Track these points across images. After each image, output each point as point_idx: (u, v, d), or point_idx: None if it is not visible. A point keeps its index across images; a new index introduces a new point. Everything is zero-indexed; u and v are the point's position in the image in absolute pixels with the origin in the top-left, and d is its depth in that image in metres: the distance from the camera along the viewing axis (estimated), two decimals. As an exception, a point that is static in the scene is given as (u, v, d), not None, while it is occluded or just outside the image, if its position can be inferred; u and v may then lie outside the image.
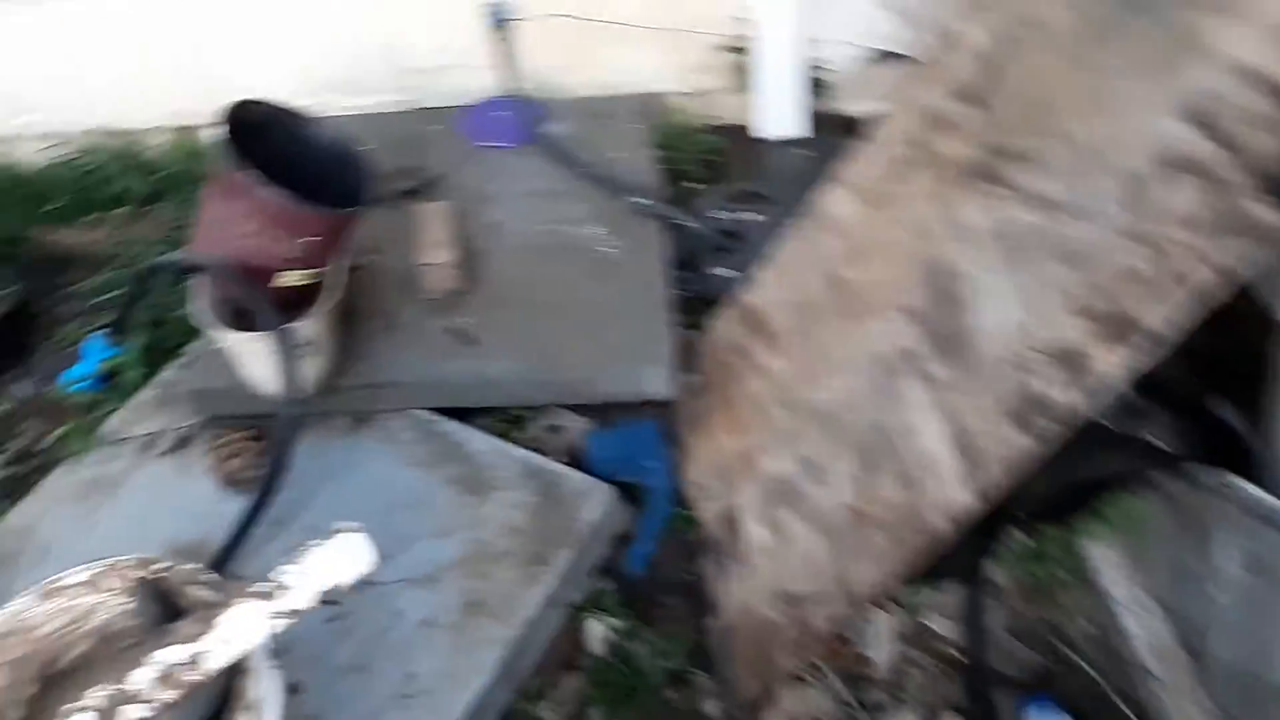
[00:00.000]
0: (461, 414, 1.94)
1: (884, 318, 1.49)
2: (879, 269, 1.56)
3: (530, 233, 2.17)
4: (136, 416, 1.98)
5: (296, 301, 1.88)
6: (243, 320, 1.87)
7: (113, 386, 2.10)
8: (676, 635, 1.70)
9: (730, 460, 1.75)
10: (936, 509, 1.28)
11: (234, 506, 1.80)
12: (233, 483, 1.80)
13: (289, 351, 1.67)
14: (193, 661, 1.05)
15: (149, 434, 1.94)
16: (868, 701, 1.60)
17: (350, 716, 1.51)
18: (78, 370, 2.10)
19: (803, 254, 1.78)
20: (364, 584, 1.68)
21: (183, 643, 1.05)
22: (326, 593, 1.11)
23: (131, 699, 1.02)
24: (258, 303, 1.68)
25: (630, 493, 1.83)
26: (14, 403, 2.17)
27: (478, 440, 1.88)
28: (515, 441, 1.90)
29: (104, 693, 1.01)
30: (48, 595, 1.23)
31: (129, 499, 1.84)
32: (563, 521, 1.74)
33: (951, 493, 1.26)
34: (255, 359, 1.76)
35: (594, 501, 1.76)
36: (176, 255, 1.78)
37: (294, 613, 1.10)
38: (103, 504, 1.84)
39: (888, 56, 2.44)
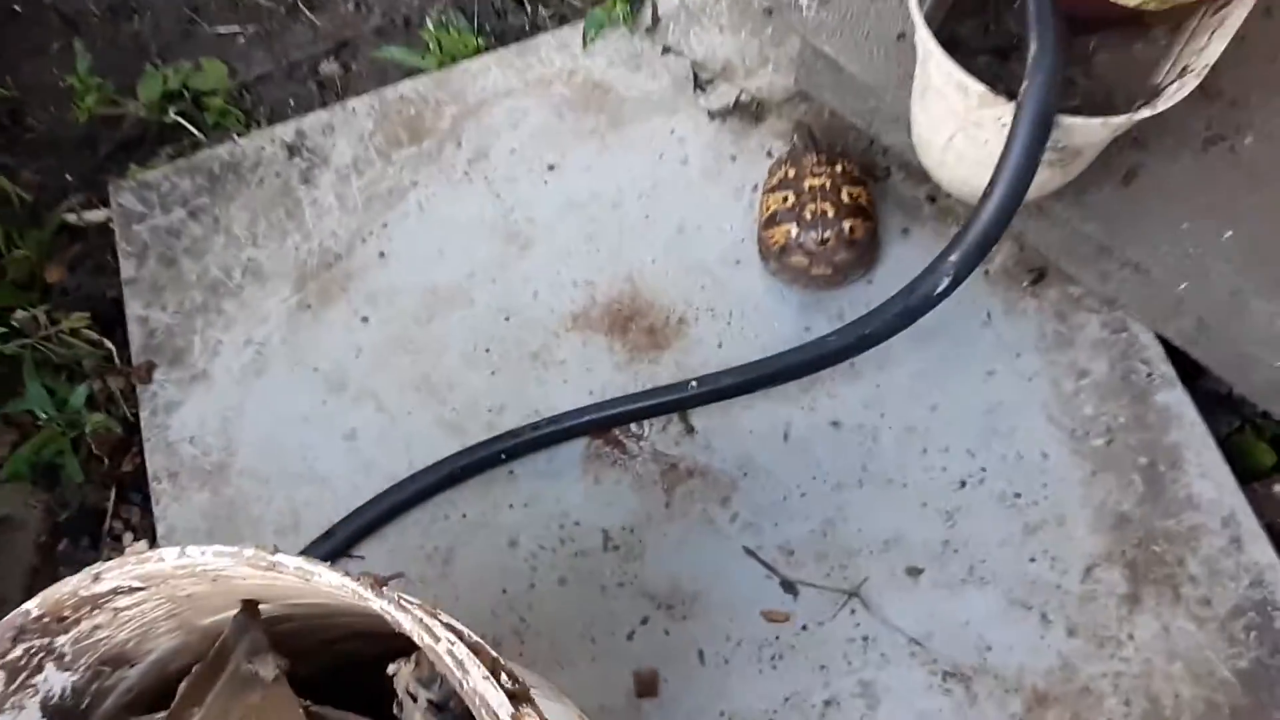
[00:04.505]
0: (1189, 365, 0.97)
1: None
2: None
3: None
4: (709, 19, 1.15)
5: (1114, 30, 0.88)
6: (990, 28, 0.91)
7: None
8: None
9: None
10: None
11: (747, 281, 1.02)
12: (773, 256, 0.99)
13: (1034, 150, 0.73)
14: None
15: (706, 70, 1.12)
16: None
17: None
18: None
19: None
20: (850, 594, 0.94)
21: None
22: None
23: None
24: (1041, 27, 0.71)
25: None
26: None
27: (1203, 468, 0.92)
28: (1257, 501, 0.93)
29: None
30: (268, 568, 0.56)
31: (616, 155, 1.09)
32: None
33: None
34: (948, 114, 0.83)
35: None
36: None
37: None
38: (587, 135, 1.10)
39: None
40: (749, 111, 1.09)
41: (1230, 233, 0.91)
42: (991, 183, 0.74)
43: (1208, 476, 0.92)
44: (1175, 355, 0.97)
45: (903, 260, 1.02)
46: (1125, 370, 0.96)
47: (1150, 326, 0.97)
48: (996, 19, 0.92)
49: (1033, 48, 0.71)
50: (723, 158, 1.08)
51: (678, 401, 0.93)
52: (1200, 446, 0.93)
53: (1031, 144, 0.72)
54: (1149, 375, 0.95)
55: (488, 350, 1.03)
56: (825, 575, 0.91)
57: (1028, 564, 0.90)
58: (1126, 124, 0.76)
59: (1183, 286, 0.90)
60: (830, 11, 1.02)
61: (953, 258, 0.76)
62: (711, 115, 1.10)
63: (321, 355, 1.04)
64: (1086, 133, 0.76)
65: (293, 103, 1.25)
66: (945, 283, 0.77)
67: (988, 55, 0.89)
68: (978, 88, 0.75)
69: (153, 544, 1.06)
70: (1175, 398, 0.94)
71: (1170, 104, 0.75)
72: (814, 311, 1.00)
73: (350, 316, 1.06)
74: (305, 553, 0.96)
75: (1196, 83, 0.76)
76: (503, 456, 0.96)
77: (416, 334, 1.04)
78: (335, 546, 0.96)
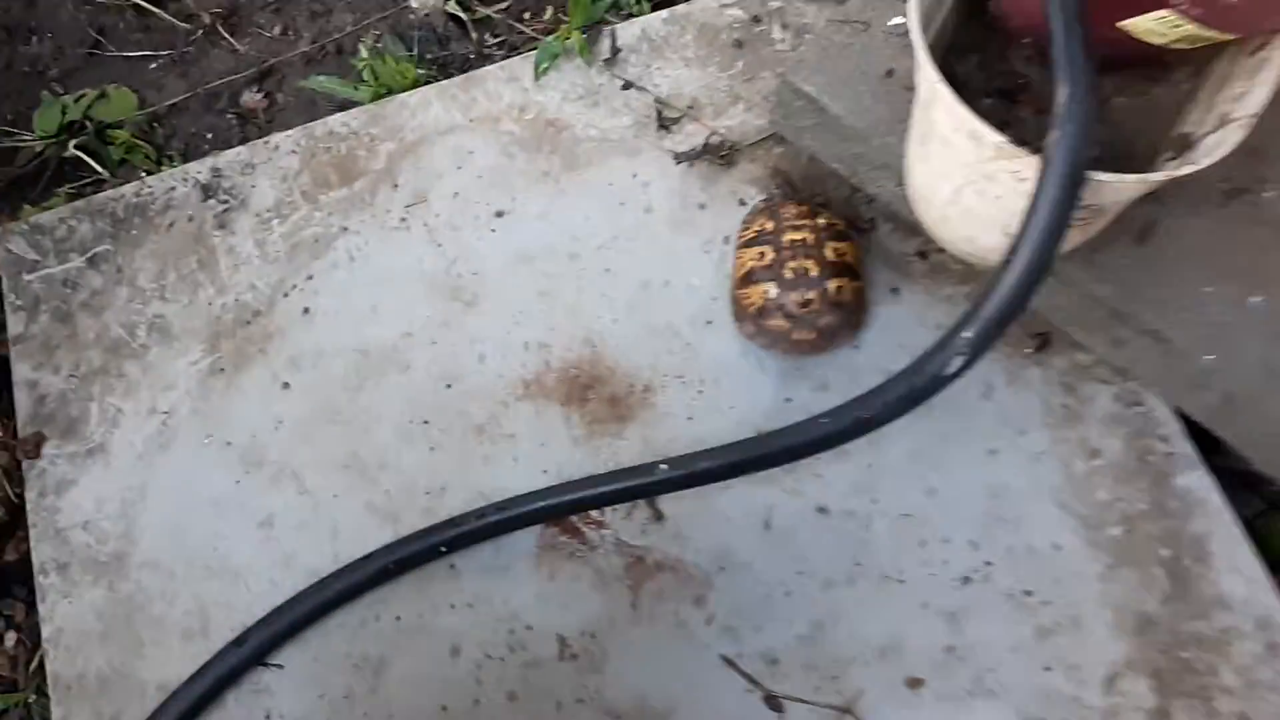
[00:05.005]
0: (1204, 441, 0.87)
1: None
2: None
3: None
4: (673, 51, 1.04)
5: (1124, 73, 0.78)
6: (986, 69, 0.81)
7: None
8: None
9: None
10: None
11: (720, 344, 0.91)
12: (749, 318, 0.88)
13: (1064, 211, 0.62)
14: None
15: (671, 108, 1.01)
16: None
17: None
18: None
19: None
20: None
21: None
22: None
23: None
24: (1072, 70, 0.61)
25: None
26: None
27: (1232, 560, 0.82)
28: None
29: None
30: None
31: (572, 201, 0.98)
32: None
33: None
34: (956, 166, 0.72)
35: None
36: None
37: None
38: (539, 178, 0.99)
39: None
40: (719, 154, 0.98)
41: (1260, 297, 0.82)
42: (1013, 249, 0.63)
43: (1238, 571, 0.82)
44: (1191, 430, 0.88)
45: (892, 323, 0.91)
46: (1141, 449, 0.86)
47: (1168, 400, 0.87)
48: (1000, 57, 0.82)
49: (1062, 94, 0.61)
50: (691, 205, 0.97)
51: (645, 486, 0.81)
52: (1227, 536, 0.83)
53: (1061, 204, 0.61)
54: (1168, 455, 0.86)
55: (426, 422, 0.90)
56: (814, 689, 0.79)
57: (1042, 673, 0.79)
58: (1165, 181, 0.66)
59: (1207, 358, 0.81)
60: (809, 46, 0.92)
61: (966, 333, 0.66)
62: (678, 158, 0.99)
63: (236, 427, 0.91)
64: (1120, 191, 0.66)
65: (209, 137, 1.12)
66: (958, 363, 0.66)
67: (993, 98, 0.79)
68: (995, 138, 0.65)
69: (37, 647, 0.93)
70: (1197, 480, 0.85)
71: (1216, 158, 0.65)
72: (795, 380, 0.89)
73: (270, 382, 0.93)
74: (215, 660, 0.83)
75: (1244, 134, 0.66)
76: (442, 549, 0.84)
77: (345, 403, 0.92)
78: (248, 654, 0.82)
